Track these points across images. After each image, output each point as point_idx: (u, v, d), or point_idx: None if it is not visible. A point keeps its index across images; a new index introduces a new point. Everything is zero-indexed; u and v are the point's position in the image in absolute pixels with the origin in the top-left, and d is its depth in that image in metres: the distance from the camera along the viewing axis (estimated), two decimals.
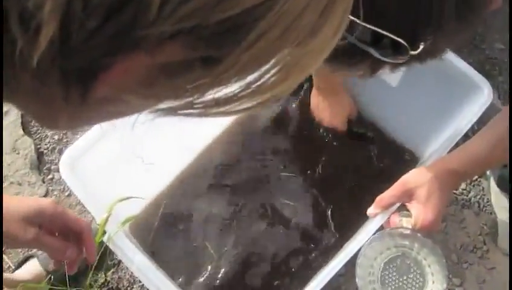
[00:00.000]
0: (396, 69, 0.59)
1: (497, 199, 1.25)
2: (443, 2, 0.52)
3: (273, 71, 0.28)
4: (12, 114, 1.40)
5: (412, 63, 0.57)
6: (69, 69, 0.25)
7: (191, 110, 0.29)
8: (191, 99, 0.28)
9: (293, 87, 0.30)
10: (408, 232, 0.87)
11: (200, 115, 0.30)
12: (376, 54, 0.54)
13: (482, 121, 1.03)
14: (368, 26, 0.51)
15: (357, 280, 0.86)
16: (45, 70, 0.24)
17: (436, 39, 0.54)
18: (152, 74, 0.27)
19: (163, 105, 0.30)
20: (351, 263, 0.91)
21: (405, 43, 0.52)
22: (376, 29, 0.51)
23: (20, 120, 1.40)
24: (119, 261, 1.23)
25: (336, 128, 1.25)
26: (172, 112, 0.30)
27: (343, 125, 1.25)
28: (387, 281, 0.87)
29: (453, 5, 0.52)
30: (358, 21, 0.51)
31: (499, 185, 1.23)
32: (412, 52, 0.53)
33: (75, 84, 0.26)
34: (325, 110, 1.24)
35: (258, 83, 0.28)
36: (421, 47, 0.53)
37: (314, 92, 1.23)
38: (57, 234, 0.79)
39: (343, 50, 0.56)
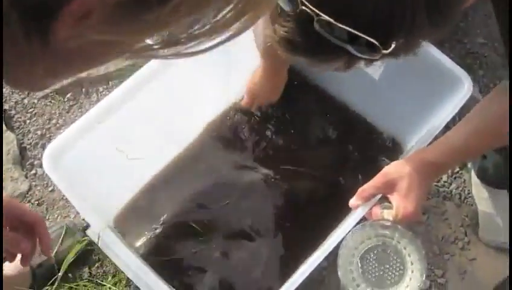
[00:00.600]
0: (371, 64, 0.61)
1: (478, 190, 1.27)
2: (415, 10, 0.54)
3: (228, 8, 0.29)
4: None
5: (386, 58, 0.59)
6: (28, 5, 0.25)
7: (152, 52, 0.30)
8: (151, 36, 0.29)
9: (249, 27, 0.31)
10: (389, 224, 0.89)
11: (160, 55, 0.30)
12: (352, 51, 0.56)
13: (463, 114, 1.04)
14: (342, 26, 0.53)
15: (338, 270, 0.88)
16: (4, 9, 0.24)
17: (407, 40, 0.57)
18: (111, 11, 0.27)
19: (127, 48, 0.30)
20: (334, 256, 0.91)
21: (377, 43, 0.54)
22: (350, 29, 0.53)
23: (2, 115, 1.39)
24: (104, 256, 1.22)
25: (271, 101, 1.29)
26: (135, 54, 0.30)
27: (277, 97, 1.29)
28: (367, 270, 0.88)
29: (425, 13, 0.54)
30: (334, 22, 0.53)
31: (478, 176, 1.25)
32: (384, 51, 0.55)
33: (35, 24, 0.26)
34: (266, 88, 1.25)
35: (215, 19, 0.29)
36: (393, 46, 0.55)
37: (259, 72, 1.23)
38: (8, 229, 0.79)
39: (321, 47, 0.57)
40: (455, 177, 1.34)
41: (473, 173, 1.28)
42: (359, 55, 0.57)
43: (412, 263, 0.87)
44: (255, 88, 1.26)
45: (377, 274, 0.88)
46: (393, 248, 0.88)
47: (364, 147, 1.26)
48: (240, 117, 1.29)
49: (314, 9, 0.54)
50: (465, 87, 1.06)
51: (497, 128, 0.84)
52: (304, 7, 0.54)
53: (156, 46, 0.30)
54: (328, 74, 1.29)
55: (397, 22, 0.55)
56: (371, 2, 0.54)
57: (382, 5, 0.54)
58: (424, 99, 1.12)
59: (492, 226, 1.24)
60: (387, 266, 0.88)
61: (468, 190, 1.31)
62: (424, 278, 0.86)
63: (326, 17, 0.53)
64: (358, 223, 0.92)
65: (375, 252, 0.89)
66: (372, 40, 0.54)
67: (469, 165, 1.30)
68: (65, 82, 1.43)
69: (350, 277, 0.88)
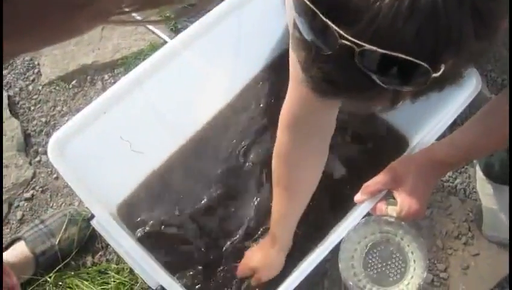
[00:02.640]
0: (416, 99, 0.57)
1: (482, 186, 1.27)
2: (461, 22, 0.50)
3: None
4: None
5: (430, 91, 0.56)
6: None
7: (123, 16, 0.29)
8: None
9: None
10: (393, 220, 0.88)
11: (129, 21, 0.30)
12: (378, 81, 0.53)
13: (470, 108, 1.03)
14: (388, 52, 0.50)
15: (339, 263, 0.87)
16: None
17: (456, 60, 0.53)
18: None
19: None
20: (337, 249, 0.91)
21: (427, 66, 0.50)
22: (396, 54, 0.50)
23: (7, 101, 1.39)
24: (107, 244, 1.23)
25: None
26: (104, 19, 0.29)
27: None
28: (369, 265, 0.88)
29: (471, 25, 0.50)
30: (377, 49, 0.50)
31: (484, 172, 1.25)
32: (434, 75, 0.51)
33: None
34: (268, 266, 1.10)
35: None
36: (442, 69, 0.51)
37: (266, 246, 1.11)
38: None
39: (365, 83, 0.54)
40: (460, 172, 1.33)
41: (477, 168, 1.27)
42: (386, 86, 0.53)
43: (414, 261, 0.87)
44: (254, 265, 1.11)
45: (378, 270, 0.88)
46: (396, 244, 0.88)
47: (369, 142, 1.26)
48: (247, 107, 1.29)
49: (354, 40, 0.50)
50: (474, 82, 1.05)
51: (508, 129, 0.83)
52: (343, 40, 0.50)
53: (129, 9, 0.29)
54: None
55: (444, 38, 0.50)
56: (413, 21, 0.49)
57: (426, 22, 0.49)
58: (431, 94, 1.11)
59: (496, 222, 1.24)
60: (389, 263, 0.88)
61: (473, 185, 1.31)
62: (425, 276, 0.86)
63: (369, 46, 0.50)
64: (362, 218, 0.92)
65: (377, 248, 0.89)
66: (421, 62, 0.50)
67: (474, 161, 1.30)
68: (70, 69, 1.42)
69: (352, 272, 0.88)
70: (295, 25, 0.56)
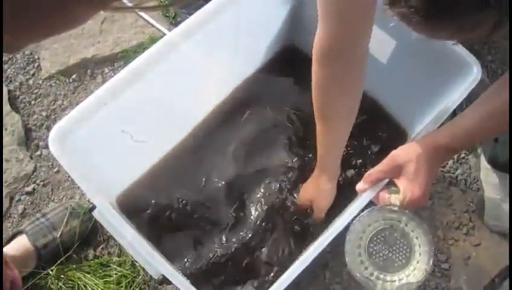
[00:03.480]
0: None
1: (487, 175, 1.26)
2: None
3: None
4: None
5: None
6: None
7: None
8: None
9: None
10: (396, 209, 0.88)
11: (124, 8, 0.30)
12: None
13: (471, 99, 1.03)
14: None
15: (345, 255, 0.87)
16: None
17: None
18: None
19: None
20: (339, 240, 0.91)
21: None
22: None
23: (7, 96, 1.39)
24: (109, 237, 1.23)
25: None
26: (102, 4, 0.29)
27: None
28: (374, 253, 0.88)
29: None
30: None
31: (489, 162, 1.24)
32: None
33: None
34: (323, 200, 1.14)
35: None
36: None
37: (314, 180, 1.14)
38: None
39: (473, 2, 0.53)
40: (461, 163, 1.34)
41: (482, 158, 1.27)
42: None
43: (419, 246, 0.87)
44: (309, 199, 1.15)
45: (384, 257, 0.88)
46: (401, 230, 0.88)
47: (370, 131, 1.26)
48: (247, 100, 1.29)
49: None
50: (474, 72, 1.05)
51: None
52: None
53: None
54: None
55: None
56: None
57: None
58: (432, 84, 1.11)
59: (498, 212, 1.24)
60: (394, 249, 0.88)
61: (474, 176, 1.31)
62: (431, 262, 0.85)
63: None
64: (365, 208, 0.91)
65: (382, 235, 0.89)
66: None
67: (479, 150, 1.30)
68: (70, 62, 1.42)
69: (358, 260, 0.88)
70: None
